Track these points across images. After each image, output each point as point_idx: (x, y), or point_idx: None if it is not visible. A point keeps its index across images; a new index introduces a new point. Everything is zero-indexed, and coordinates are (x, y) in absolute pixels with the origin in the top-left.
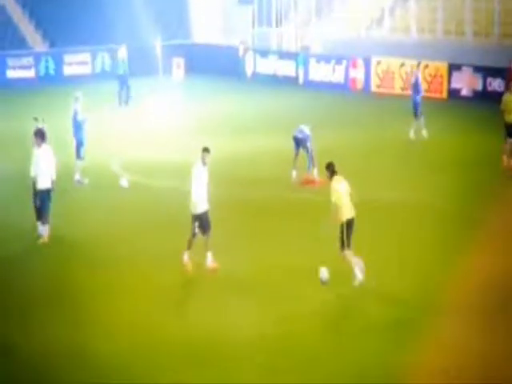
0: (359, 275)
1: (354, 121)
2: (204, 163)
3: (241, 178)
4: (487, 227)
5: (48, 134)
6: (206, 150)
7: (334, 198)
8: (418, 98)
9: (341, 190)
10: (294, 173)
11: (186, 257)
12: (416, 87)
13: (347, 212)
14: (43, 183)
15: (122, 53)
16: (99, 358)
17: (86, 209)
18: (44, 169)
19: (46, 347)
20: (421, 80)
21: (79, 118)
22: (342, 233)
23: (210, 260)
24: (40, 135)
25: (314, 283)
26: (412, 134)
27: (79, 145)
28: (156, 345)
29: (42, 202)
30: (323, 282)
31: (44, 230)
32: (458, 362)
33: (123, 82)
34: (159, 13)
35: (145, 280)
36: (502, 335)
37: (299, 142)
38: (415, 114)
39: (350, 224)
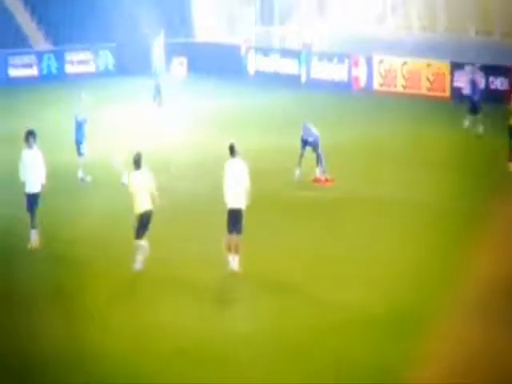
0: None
1: (357, 119)
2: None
3: None
4: (493, 226)
5: (48, 133)
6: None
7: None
8: (476, 97)
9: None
10: (298, 172)
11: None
12: (473, 86)
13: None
14: (32, 187)
15: (157, 49)
16: (99, 361)
17: (86, 208)
18: (34, 172)
19: (51, 351)
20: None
21: (79, 118)
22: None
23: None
24: (32, 136)
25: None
26: (468, 125)
27: (78, 143)
28: (183, 349)
29: (30, 206)
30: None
31: (33, 234)
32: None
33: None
34: (161, 11)
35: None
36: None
37: (309, 144)
38: (473, 112)
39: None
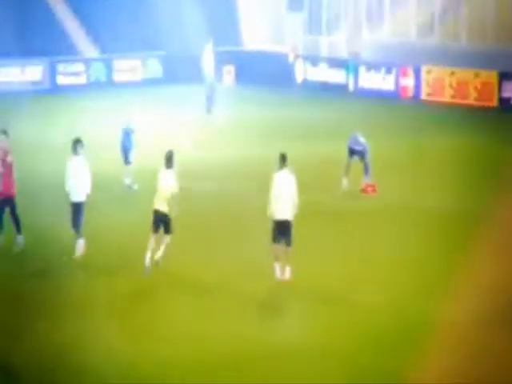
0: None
1: (404, 128)
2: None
3: None
4: None
5: (96, 140)
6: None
7: None
8: None
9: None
10: (345, 181)
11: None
12: None
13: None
14: (77, 196)
15: (206, 57)
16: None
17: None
18: (79, 181)
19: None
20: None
21: (126, 126)
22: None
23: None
24: (79, 144)
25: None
26: None
27: (124, 151)
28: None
29: (75, 215)
30: None
31: (79, 243)
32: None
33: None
34: (209, 19)
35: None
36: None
37: (356, 153)
38: None
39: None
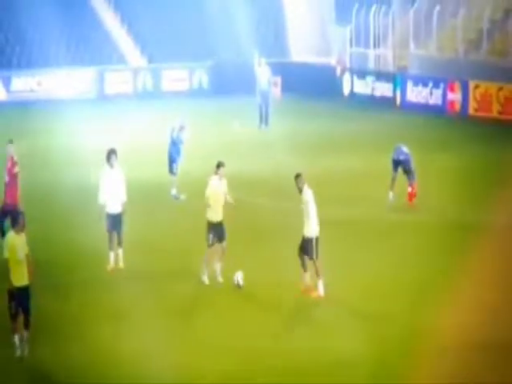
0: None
1: (451, 143)
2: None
3: (336, 198)
4: None
5: (141, 149)
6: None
7: None
8: None
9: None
10: (391, 194)
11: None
12: None
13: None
14: (114, 207)
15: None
16: None
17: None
18: (115, 192)
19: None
20: None
21: (174, 135)
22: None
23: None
24: (114, 155)
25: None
26: None
27: (171, 161)
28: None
29: (112, 226)
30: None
31: (113, 255)
32: None
33: (263, 98)
34: (257, 30)
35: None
36: None
37: (401, 164)
38: None
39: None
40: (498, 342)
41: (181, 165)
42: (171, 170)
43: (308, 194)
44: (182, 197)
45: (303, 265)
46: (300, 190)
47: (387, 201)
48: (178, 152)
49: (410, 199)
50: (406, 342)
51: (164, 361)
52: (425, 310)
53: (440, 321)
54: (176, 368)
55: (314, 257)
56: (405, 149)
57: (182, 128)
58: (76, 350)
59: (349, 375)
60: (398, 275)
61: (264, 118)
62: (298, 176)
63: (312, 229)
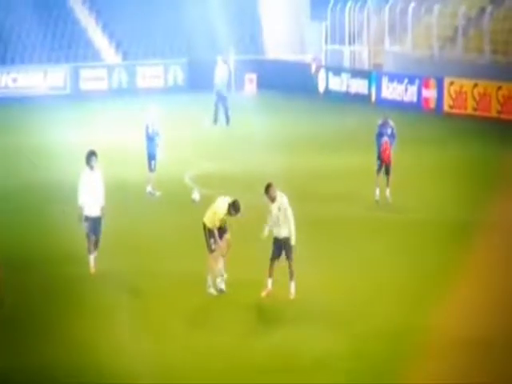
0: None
1: (426, 140)
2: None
3: (313, 195)
4: None
5: (117, 147)
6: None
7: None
8: None
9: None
10: (378, 191)
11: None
12: None
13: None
14: (92, 210)
15: (220, 67)
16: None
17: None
18: (94, 194)
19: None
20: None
21: (150, 131)
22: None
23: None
24: (94, 157)
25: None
26: None
27: (150, 158)
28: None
29: (91, 230)
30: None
31: (92, 258)
32: None
33: (219, 98)
34: (232, 28)
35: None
36: None
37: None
38: None
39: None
40: (484, 339)
41: (160, 161)
42: (150, 167)
43: (284, 200)
44: (158, 193)
45: (272, 270)
46: (273, 200)
47: (367, 199)
48: (155, 147)
49: (385, 151)
50: (391, 339)
51: (143, 360)
52: (410, 308)
53: (425, 319)
54: (157, 367)
55: (292, 257)
56: (391, 123)
57: (154, 120)
58: (56, 349)
59: (330, 373)
60: (381, 274)
61: (225, 118)
62: (268, 187)
63: (291, 230)
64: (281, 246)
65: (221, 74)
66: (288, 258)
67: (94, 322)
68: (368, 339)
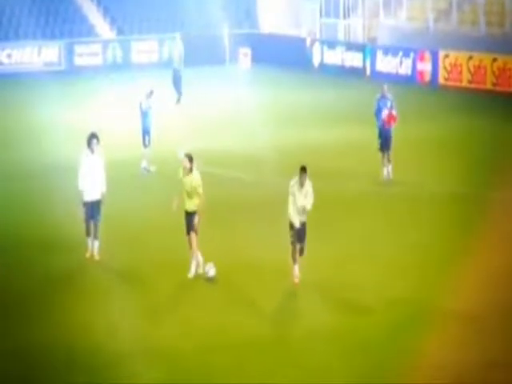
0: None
1: (421, 113)
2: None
3: (311, 170)
4: None
5: (112, 123)
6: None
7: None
8: None
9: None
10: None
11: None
12: None
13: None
14: (92, 194)
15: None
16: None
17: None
18: (94, 179)
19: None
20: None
21: (143, 106)
22: None
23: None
24: (96, 140)
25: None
26: None
27: (145, 133)
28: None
29: (90, 215)
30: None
31: (94, 244)
32: None
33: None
34: (227, 2)
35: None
36: None
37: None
38: None
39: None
40: (470, 313)
41: (153, 136)
42: (144, 143)
43: (310, 189)
44: (152, 169)
45: (295, 254)
46: (302, 184)
47: (365, 173)
48: (149, 122)
49: (389, 121)
50: (384, 313)
51: (135, 341)
52: (403, 282)
53: (419, 293)
54: (147, 348)
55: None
56: (389, 95)
57: (150, 94)
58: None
59: (323, 349)
60: (375, 247)
61: (177, 93)
62: (303, 169)
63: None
64: (301, 231)
65: (176, 51)
66: (302, 241)
67: (91, 305)
68: (370, 313)
